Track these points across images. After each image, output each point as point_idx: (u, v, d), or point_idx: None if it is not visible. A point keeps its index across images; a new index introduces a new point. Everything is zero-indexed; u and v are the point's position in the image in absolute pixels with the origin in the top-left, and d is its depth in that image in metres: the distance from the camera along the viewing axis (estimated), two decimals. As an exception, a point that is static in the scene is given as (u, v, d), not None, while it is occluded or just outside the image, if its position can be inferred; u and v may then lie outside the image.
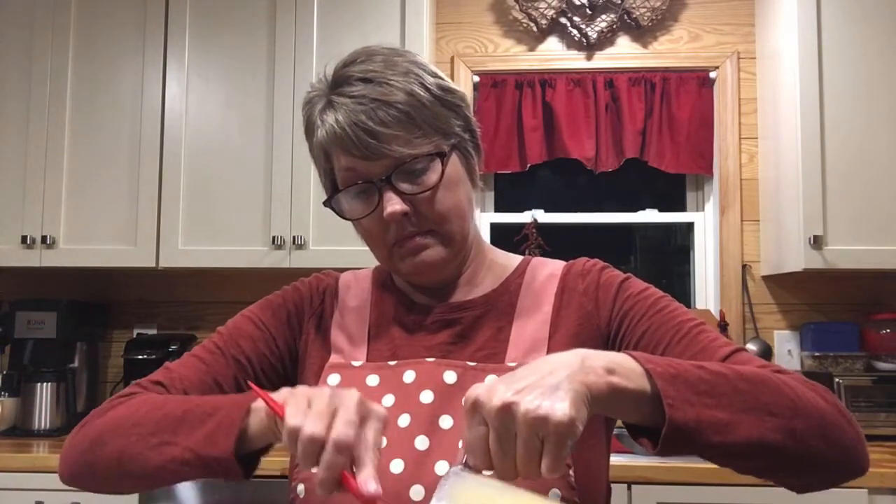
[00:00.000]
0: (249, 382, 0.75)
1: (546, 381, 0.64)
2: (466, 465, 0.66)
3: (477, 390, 0.65)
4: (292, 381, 0.98)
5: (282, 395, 0.71)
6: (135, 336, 2.68)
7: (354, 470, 0.65)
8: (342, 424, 0.66)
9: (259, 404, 0.75)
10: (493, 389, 0.64)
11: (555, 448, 0.62)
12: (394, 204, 0.87)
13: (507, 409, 0.63)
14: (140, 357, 2.50)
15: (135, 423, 0.82)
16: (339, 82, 0.89)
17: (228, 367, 0.94)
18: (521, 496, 0.64)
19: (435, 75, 0.91)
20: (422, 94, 0.88)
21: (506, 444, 0.63)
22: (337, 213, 0.93)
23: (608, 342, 0.92)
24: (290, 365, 0.99)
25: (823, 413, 0.75)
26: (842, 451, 0.76)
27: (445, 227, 0.91)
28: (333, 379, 0.93)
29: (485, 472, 0.65)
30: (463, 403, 0.66)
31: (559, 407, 0.62)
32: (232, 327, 0.99)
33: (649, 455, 0.72)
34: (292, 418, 0.67)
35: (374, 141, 0.85)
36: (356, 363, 0.94)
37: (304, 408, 0.67)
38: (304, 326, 1.00)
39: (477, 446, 0.65)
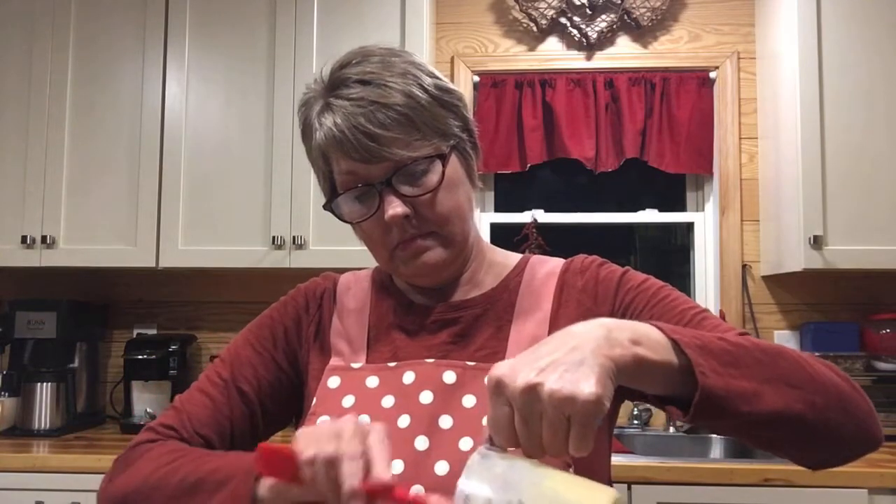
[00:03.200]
0: (260, 445, 0.73)
1: (570, 358, 0.63)
2: (492, 444, 0.65)
3: (500, 370, 0.64)
4: (301, 394, 0.98)
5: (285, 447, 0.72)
6: (135, 336, 2.68)
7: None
8: (349, 438, 0.68)
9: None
10: (516, 369, 0.63)
11: (582, 427, 0.61)
12: (395, 207, 0.87)
13: (532, 390, 0.61)
14: (140, 357, 2.50)
15: (154, 486, 0.83)
16: (336, 84, 0.88)
17: (235, 400, 0.95)
18: (548, 473, 0.63)
19: (432, 75, 0.91)
20: (420, 95, 0.87)
21: (532, 424, 0.62)
22: (337, 217, 0.93)
23: None
24: (296, 380, 0.99)
25: (839, 386, 0.76)
26: (858, 423, 0.76)
27: (446, 229, 0.90)
28: (333, 381, 0.93)
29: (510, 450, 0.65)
30: (486, 382, 0.65)
31: (585, 385, 0.61)
32: (233, 354, 0.99)
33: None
34: (308, 449, 0.68)
35: (374, 144, 0.85)
36: (356, 365, 0.94)
37: (313, 439, 0.69)
38: (304, 336, 0.99)
39: (502, 426, 0.64)
